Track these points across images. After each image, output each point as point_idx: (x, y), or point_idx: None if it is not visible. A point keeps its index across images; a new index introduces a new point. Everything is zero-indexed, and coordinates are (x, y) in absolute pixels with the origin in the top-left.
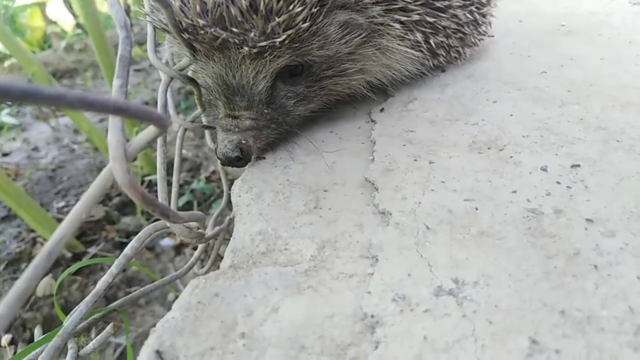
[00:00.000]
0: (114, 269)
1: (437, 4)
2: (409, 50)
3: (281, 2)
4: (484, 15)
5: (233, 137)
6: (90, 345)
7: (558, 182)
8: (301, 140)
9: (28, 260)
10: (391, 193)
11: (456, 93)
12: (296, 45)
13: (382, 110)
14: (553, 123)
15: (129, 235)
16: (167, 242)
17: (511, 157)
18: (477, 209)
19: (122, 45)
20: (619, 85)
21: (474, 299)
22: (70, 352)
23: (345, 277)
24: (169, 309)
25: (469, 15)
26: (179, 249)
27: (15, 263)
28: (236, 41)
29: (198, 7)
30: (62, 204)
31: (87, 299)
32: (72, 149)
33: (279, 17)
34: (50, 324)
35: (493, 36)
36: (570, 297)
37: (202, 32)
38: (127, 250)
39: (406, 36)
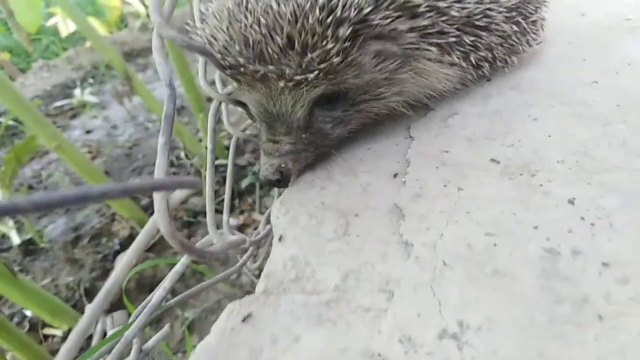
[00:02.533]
0: (167, 283)
1: (478, 23)
2: (447, 71)
3: (315, 38)
4: (533, 23)
5: (274, 161)
6: (150, 342)
7: (582, 218)
8: (339, 159)
9: (108, 236)
10: (416, 223)
11: (498, 107)
12: (331, 76)
13: (421, 125)
14: (592, 146)
15: (196, 214)
16: (231, 222)
17: (541, 185)
18: (495, 244)
19: (167, 103)
20: None
21: (474, 344)
22: (134, 347)
23: (362, 311)
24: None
25: (515, 27)
26: (241, 229)
27: (97, 237)
28: (274, 75)
29: (238, 46)
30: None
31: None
32: (147, 127)
33: (312, 53)
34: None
35: (541, 42)
36: (568, 349)
37: (242, 68)
38: (178, 266)
39: (444, 58)
